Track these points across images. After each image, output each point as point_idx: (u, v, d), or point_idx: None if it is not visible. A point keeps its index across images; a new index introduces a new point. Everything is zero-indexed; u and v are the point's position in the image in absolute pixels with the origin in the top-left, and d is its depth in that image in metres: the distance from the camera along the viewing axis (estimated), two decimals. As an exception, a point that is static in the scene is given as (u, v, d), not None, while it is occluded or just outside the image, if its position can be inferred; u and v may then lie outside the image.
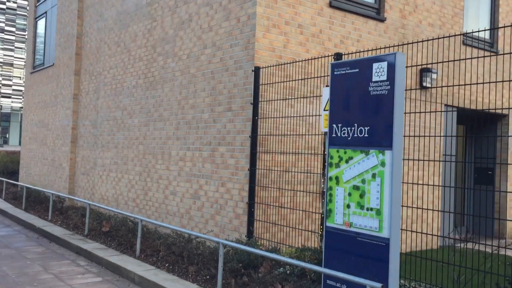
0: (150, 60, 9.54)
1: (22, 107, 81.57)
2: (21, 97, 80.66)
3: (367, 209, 4.36)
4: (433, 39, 5.36)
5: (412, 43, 5.46)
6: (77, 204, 11.95)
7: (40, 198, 12.17)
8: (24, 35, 79.95)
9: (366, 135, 4.42)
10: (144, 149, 9.60)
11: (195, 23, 8.28)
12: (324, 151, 7.87)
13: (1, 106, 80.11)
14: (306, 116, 7.30)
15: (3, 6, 78.11)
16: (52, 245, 8.31)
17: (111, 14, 11.13)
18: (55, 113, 14.01)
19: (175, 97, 8.73)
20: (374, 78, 4.37)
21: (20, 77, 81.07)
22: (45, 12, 15.69)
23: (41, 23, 16.10)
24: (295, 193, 7.29)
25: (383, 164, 4.25)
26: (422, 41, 5.57)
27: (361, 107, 4.49)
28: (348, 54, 6.09)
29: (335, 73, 4.77)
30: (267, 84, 7.02)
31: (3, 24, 78.51)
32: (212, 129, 7.76)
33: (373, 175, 4.32)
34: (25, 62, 79.56)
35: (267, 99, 7.03)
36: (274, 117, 7.07)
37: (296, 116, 7.22)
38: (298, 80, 7.21)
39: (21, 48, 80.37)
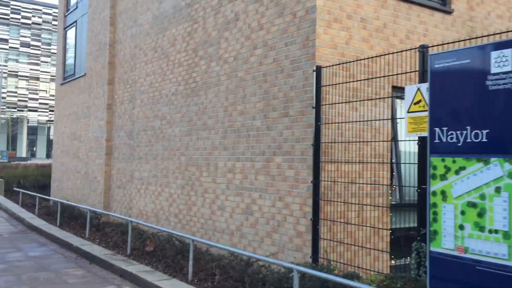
0: (191, 65, 8.89)
1: (48, 121, 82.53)
2: (47, 111, 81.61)
3: (490, 232, 3.53)
4: (505, 32, 4.54)
5: (482, 36, 4.65)
6: (114, 220, 11.34)
7: (74, 213, 11.61)
8: (49, 49, 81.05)
9: (484, 140, 3.60)
10: (186, 161, 8.92)
11: (243, 22, 7.59)
12: (391, 159, 7.07)
13: (28, 119, 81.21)
14: (375, 120, 6.51)
15: (29, 21, 79.39)
16: (93, 267, 7.66)
17: (147, 19, 10.55)
18: (88, 124, 13.50)
19: (220, 103, 8.04)
20: (494, 70, 3.56)
21: (46, 90, 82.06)
22: (75, 21, 15.29)
23: (71, 33, 15.71)
24: (361, 207, 6.49)
25: (511, 175, 3.43)
26: (494, 34, 4.77)
27: (475, 105, 3.68)
28: (434, 46, 5.28)
29: (436, 66, 3.98)
30: (329, 85, 6.25)
31: (29, 39, 79.74)
32: (266, 137, 7.03)
33: (497, 189, 3.50)
34: (52, 75, 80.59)
35: (330, 102, 6.26)
36: (338, 122, 6.29)
37: (363, 121, 6.43)
38: (363, 80, 6.45)
39: (46, 62, 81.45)
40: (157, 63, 10.08)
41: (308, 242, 6.15)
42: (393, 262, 6.88)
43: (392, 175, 6.99)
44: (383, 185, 6.67)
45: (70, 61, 15.84)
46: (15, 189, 15.87)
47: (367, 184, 6.51)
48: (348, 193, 6.39)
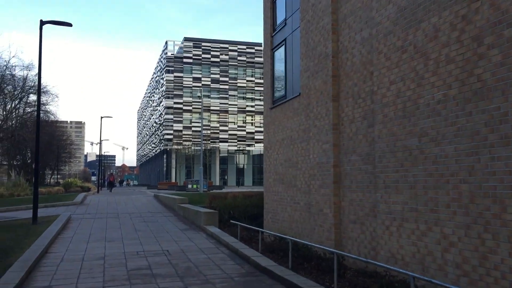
0: (472, 59, 6.52)
1: (236, 150, 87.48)
2: (235, 141, 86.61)
3: None
4: None
5: None
6: (352, 262, 9.38)
7: (303, 252, 10.00)
8: (236, 83, 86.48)
9: None
10: (471, 190, 6.49)
11: None
12: None
13: (220, 150, 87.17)
14: None
15: (217, 60, 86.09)
16: None
17: (388, 14, 8.55)
18: (306, 149, 12.00)
19: (537, 105, 5.48)
20: None
21: (234, 122, 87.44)
22: (284, 40, 14.21)
23: (279, 53, 14.69)
24: None
25: None
26: None
27: None
28: None
29: None
30: None
31: (217, 76, 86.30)
32: None
33: None
34: (239, 107, 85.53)
35: None
36: None
37: None
38: None
39: (233, 95, 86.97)
40: (408, 66, 7.94)
41: None
42: None
43: None
44: None
45: (279, 83, 14.80)
46: (231, 221, 15.18)
47: None
48: None
